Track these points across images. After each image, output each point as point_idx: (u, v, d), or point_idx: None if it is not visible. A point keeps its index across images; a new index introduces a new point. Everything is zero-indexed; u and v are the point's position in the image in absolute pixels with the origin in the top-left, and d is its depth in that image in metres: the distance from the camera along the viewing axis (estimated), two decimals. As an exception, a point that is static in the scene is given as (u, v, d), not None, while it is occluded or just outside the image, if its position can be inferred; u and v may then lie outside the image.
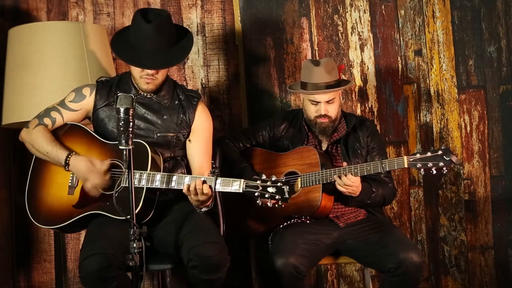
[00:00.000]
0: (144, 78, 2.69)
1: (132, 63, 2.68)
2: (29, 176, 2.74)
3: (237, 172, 2.92)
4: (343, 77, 3.32)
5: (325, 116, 2.91)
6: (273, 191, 2.44)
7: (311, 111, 2.95)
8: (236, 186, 2.49)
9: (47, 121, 2.73)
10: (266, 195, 2.45)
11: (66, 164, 2.62)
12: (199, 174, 2.67)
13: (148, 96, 2.77)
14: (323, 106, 2.90)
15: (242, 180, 2.49)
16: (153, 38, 2.62)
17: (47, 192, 2.70)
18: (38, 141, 2.67)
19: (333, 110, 2.93)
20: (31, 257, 3.55)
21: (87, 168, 2.57)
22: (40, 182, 2.72)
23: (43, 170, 2.73)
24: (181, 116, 2.78)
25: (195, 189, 2.50)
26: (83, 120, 2.83)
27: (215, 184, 2.50)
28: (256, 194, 2.46)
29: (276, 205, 2.45)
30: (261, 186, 2.45)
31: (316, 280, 3.59)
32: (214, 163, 2.61)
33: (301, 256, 2.68)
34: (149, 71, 2.66)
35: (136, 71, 2.70)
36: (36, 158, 2.74)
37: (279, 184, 2.44)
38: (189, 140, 2.81)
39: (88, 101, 2.77)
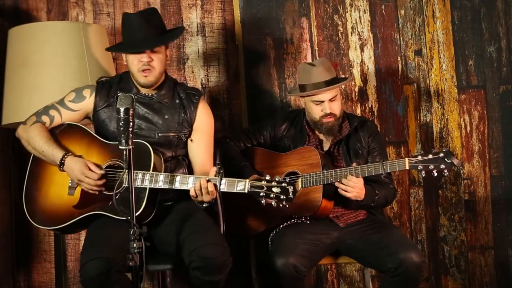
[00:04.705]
0: (141, 72, 2.68)
1: (122, 50, 2.76)
2: (26, 176, 2.72)
3: (237, 171, 2.92)
4: (343, 75, 3.32)
5: (330, 114, 2.90)
6: (278, 191, 2.44)
7: (316, 112, 2.93)
8: (241, 186, 2.49)
9: (45, 119, 2.72)
10: (271, 195, 2.45)
11: (62, 164, 2.61)
12: (202, 172, 2.67)
13: (149, 95, 2.77)
14: (327, 104, 2.90)
15: (247, 180, 2.49)
16: (142, 25, 2.66)
17: (46, 193, 2.69)
18: (34, 139, 2.66)
19: (336, 108, 2.93)
20: (31, 257, 3.55)
21: (80, 171, 2.56)
22: (39, 182, 2.71)
23: (41, 169, 2.72)
24: (182, 115, 2.78)
25: (200, 189, 2.50)
26: (82, 120, 2.82)
27: (220, 184, 2.50)
28: (261, 194, 2.46)
29: (281, 205, 2.46)
30: (266, 186, 2.46)
31: (316, 280, 3.59)
32: (219, 164, 2.61)
33: (301, 256, 2.68)
34: (144, 60, 2.65)
35: (133, 66, 2.70)
36: (33, 158, 2.73)
37: (283, 184, 2.45)
38: (191, 140, 2.81)
39: (88, 102, 2.77)
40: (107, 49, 2.94)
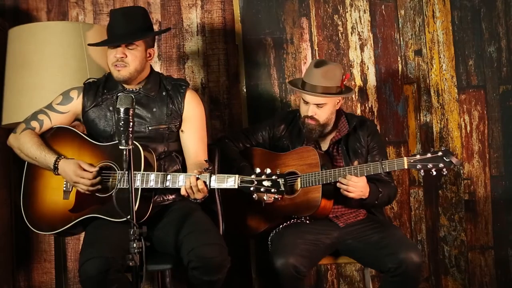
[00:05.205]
0: (114, 67, 2.69)
1: (99, 44, 2.74)
2: (22, 183, 2.73)
3: (236, 171, 2.91)
4: (350, 85, 3.29)
5: (312, 118, 2.91)
6: (268, 185, 2.42)
7: (302, 110, 2.96)
8: (231, 182, 2.48)
9: (34, 124, 2.72)
10: (262, 189, 2.43)
11: (55, 168, 2.61)
12: (196, 163, 2.65)
13: (135, 90, 2.77)
14: (311, 107, 2.90)
15: (237, 175, 2.48)
16: (121, 22, 2.67)
17: (43, 198, 2.69)
18: (26, 146, 2.66)
19: (322, 115, 2.92)
20: (31, 257, 3.55)
21: (74, 172, 2.56)
22: (35, 188, 2.71)
23: (37, 176, 2.72)
24: (171, 106, 2.77)
25: (191, 187, 2.50)
26: (72, 122, 2.82)
27: (210, 181, 2.49)
28: (251, 188, 2.44)
29: (273, 198, 2.44)
30: (256, 180, 2.44)
31: (316, 280, 3.59)
32: (208, 161, 2.61)
33: (301, 256, 2.68)
34: (118, 55, 2.65)
35: (108, 60, 2.71)
36: (28, 165, 2.73)
37: (273, 177, 2.42)
38: (182, 131, 2.80)
39: (76, 103, 2.77)
40: (89, 44, 2.93)
